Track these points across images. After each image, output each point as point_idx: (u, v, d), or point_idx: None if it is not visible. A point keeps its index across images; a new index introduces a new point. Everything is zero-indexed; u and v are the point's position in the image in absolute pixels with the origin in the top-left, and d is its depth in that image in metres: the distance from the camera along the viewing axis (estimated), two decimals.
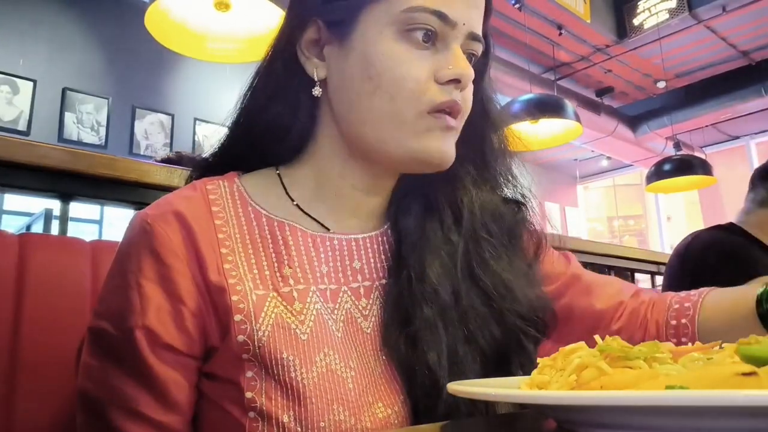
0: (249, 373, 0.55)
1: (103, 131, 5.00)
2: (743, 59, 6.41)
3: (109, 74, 5.09)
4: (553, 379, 0.41)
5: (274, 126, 0.66)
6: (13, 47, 4.60)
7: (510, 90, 5.37)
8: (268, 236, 0.62)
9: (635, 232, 9.95)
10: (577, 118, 4.04)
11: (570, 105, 4.11)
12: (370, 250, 0.66)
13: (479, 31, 0.63)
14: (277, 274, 0.60)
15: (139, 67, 5.16)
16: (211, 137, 5.37)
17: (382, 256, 0.67)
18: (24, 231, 3.45)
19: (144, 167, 1.14)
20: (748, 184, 1.68)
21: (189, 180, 0.70)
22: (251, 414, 0.54)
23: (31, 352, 0.71)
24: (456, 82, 0.59)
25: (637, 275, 2.48)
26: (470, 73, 0.60)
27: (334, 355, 0.57)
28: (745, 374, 0.33)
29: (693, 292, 0.73)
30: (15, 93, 4.58)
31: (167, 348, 0.55)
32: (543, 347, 0.71)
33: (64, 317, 0.74)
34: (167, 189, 0.97)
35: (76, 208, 1.15)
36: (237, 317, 0.56)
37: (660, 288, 1.96)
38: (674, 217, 9.21)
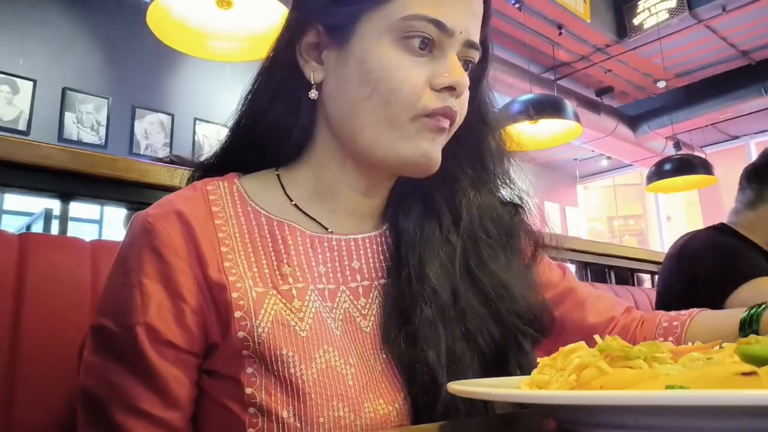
0: (249, 370, 0.56)
1: (103, 131, 5.00)
2: (743, 59, 6.41)
3: (109, 74, 5.09)
4: (553, 379, 0.41)
5: (274, 128, 0.67)
6: (13, 47, 4.60)
7: (510, 90, 5.36)
8: (268, 235, 0.63)
9: (635, 231, 9.95)
10: (577, 118, 4.04)
11: (570, 105, 4.10)
12: (369, 250, 0.67)
13: (476, 39, 0.64)
14: (277, 272, 0.60)
15: (139, 67, 5.15)
16: (211, 137, 5.37)
17: (381, 257, 0.68)
18: (24, 231, 3.45)
19: (144, 167, 1.14)
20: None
21: (190, 181, 0.71)
22: (251, 410, 0.55)
23: (31, 351, 0.71)
24: (451, 89, 0.60)
25: (637, 275, 2.48)
26: (465, 81, 0.61)
27: (334, 351, 0.58)
28: (745, 374, 0.33)
29: (683, 312, 0.76)
30: (15, 93, 4.58)
31: (168, 345, 0.56)
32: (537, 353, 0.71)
33: (64, 317, 0.74)
34: (167, 189, 0.97)
35: (76, 208, 1.15)
36: (237, 314, 0.56)
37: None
38: (674, 217, 9.21)
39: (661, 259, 1.67)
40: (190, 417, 0.58)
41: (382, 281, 0.66)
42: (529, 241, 0.75)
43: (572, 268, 2.41)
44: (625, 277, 2.37)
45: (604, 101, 6.92)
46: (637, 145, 7.36)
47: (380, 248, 0.68)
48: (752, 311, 0.67)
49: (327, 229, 0.66)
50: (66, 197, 1.11)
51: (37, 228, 3.29)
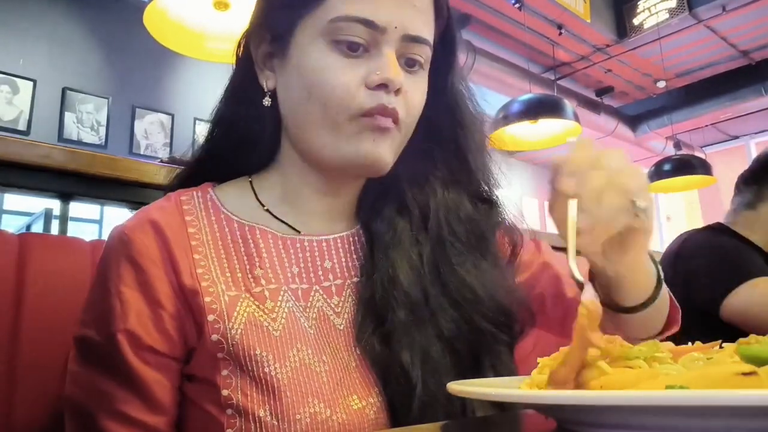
0: (224, 372, 0.57)
1: (103, 131, 5.00)
2: (743, 59, 6.41)
3: (109, 74, 5.09)
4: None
5: (242, 135, 0.69)
6: (13, 47, 4.60)
7: (510, 90, 5.36)
8: (240, 240, 0.64)
9: None
10: (577, 118, 4.04)
11: (569, 105, 4.10)
12: (341, 250, 0.68)
13: (419, 32, 0.62)
14: (249, 275, 0.62)
15: (139, 67, 5.15)
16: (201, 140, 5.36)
17: (353, 256, 0.69)
18: (24, 231, 3.45)
19: (144, 167, 1.14)
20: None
21: (169, 188, 0.72)
22: (229, 411, 0.56)
23: (31, 351, 0.71)
24: (384, 86, 0.60)
25: None
26: (398, 78, 0.60)
27: (307, 350, 0.59)
28: (745, 374, 0.33)
29: None
30: (15, 93, 4.58)
31: (149, 350, 0.57)
32: (524, 348, 0.71)
33: (64, 317, 0.74)
34: (167, 189, 0.97)
35: (76, 208, 1.15)
36: (210, 317, 0.58)
37: None
38: (674, 217, 9.21)
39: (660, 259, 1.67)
40: (174, 421, 0.59)
41: (355, 279, 0.67)
42: (507, 238, 0.73)
43: None
44: None
45: (603, 101, 6.92)
46: (637, 145, 7.36)
47: (353, 248, 0.69)
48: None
49: (298, 231, 0.67)
50: (66, 197, 1.11)
51: (37, 228, 3.29)
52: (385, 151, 0.62)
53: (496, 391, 0.40)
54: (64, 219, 1.11)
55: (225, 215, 0.66)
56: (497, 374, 0.63)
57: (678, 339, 0.56)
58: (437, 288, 0.65)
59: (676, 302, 0.70)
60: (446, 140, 0.71)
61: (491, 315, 0.65)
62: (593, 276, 0.63)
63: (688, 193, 7.88)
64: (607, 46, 6.07)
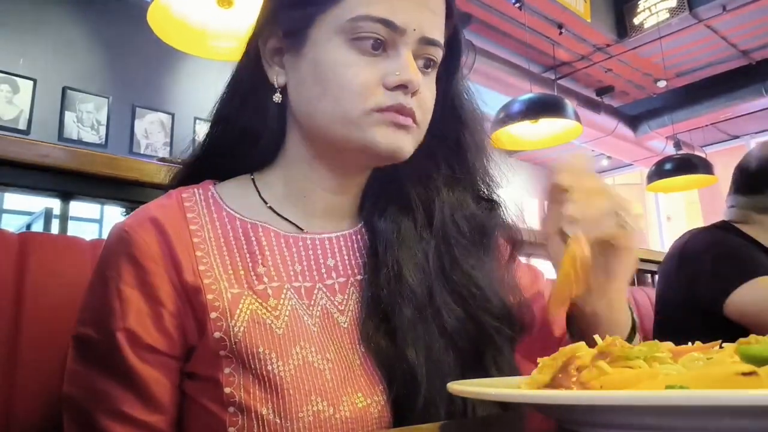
0: (227, 370, 0.57)
1: (103, 130, 5.00)
2: (743, 59, 6.40)
3: (110, 73, 5.09)
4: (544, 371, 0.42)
5: (246, 132, 0.69)
6: (13, 46, 4.60)
7: (510, 89, 5.36)
8: (242, 238, 0.64)
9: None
10: (577, 118, 4.04)
11: (570, 104, 4.10)
12: (344, 248, 0.69)
13: (434, 35, 0.63)
14: (252, 273, 0.62)
15: (140, 67, 5.15)
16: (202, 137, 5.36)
17: (356, 254, 0.69)
18: (24, 230, 3.45)
19: (144, 166, 1.14)
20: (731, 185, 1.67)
21: (169, 186, 0.72)
22: (231, 409, 0.56)
23: (31, 351, 0.71)
24: (403, 87, 0.60)
25: (637, 275, 2.48)
26: (417, 79, 0.61)
27: (311, 347, 0.59)
28: (745, 374, 0.33)
29: None
30: (15, 92, 4.58)
31: (148, 349, 0.57)
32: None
33: (64, 316, 0.74)
34: (167, 188, 0.97)
35: (77, 207, 1.15)
36: (213, 315, 0.58)
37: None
38: (674, 216, 9.21)
39: (661, 259, 1.66)
40: (173, 421, 0.59)
41: (359, 277, 0.67)
42: (507, 237, 0.75)
43: None
44: None
45: (604, 101, 6.91)
46: (637, 145, 7.35)
47: (356, 245, 0.70)
48: None
49: (301, 229, 0.68)
50: (66, 196, 1.11)
51: (38, 227, 3.29)
52: (403, 142, 0.62)
53: (496, 391, 0.40)
54: (64, 218, 1.11)
55: (227, 212, 0.66)
56: (499, 370, 0.64)
57: (681, 339, 0.56)
58: (442, 285, 0.66)
59: None
60: (449, 140, 0.71)
61: (495, 310, 0.66)
62: (571, 320, 0.65)
63: (688, 193, 7.87)
64: (608, 45, 6.07)
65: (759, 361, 0.34)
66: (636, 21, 5.80)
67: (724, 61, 6.42)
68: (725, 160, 7.64)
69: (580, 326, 0.68)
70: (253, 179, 0.70)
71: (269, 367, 0.56)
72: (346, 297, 0.65)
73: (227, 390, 0.56)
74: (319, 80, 0.61)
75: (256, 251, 0.63)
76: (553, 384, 0.41)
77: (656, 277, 1.79)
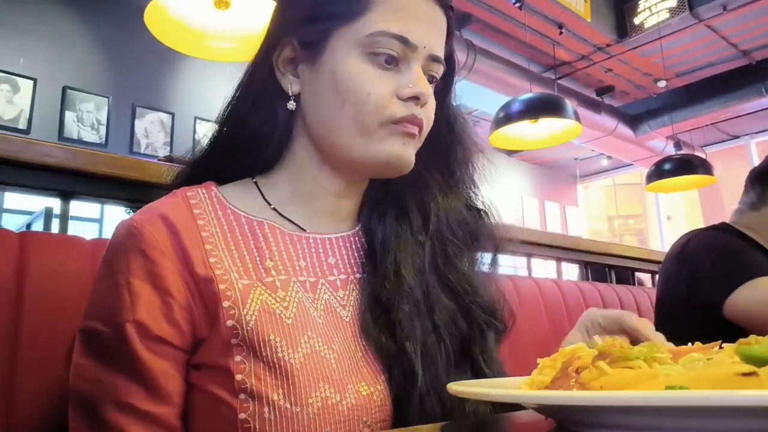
0: (238, 357, 0.58)
1: (103, 130, 5.00)
2: (744, 59, 6.40)
3: (110, 73, 5.09)
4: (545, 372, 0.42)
5: (253, 136, 0.71)
6: (13, 46, 4.60)
7: (510, 89, 5.36)
8: (249, 234, 0.67)
9: (635, 231, 9.96)
10: (577, 118, 4.03)
11: (570, 104, 4.09)
12: (343, 248, 0.73)
13: (439, 53, 0.69)
14: (260, 266, 0.64)
15: (140, 66, 5.15)
16: (207, 139, 5.36)
17: (355, 254, 0.73)
18: (24, 229, 3.45)
19: (144, 166, 1.14)
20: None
21: (173, 183, 0.74)
22: (242, 396, 0.57)
23: (31, 350, 0.71)
24: (415, 99, 0.66)
25: (638, 275, 2.48)
26: (428, 91, 0.66)
27: (317, 338, 0.62)
28: (745, 374, 0.33)
29: None
30: (15, 91, 4.57)
31: (158, 340, 0.58)
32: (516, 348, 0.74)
33: (64, 316, 0.74)
34: (168, 187, 0.98)
35: (77, 207, 1.15)
36: (225, 303, 0.59)
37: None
38: (674, 216, 9.21)
39: (661, 259, 1.66)
40: (181, 413, 0.60)
41: (358, 276, 0.71)
42: (491, 242, 0.80)
43: (573, 267, 2.41)
44: (626, 276, 2.37)
45: (604, 101, 6.92)
46: (637, 145, 7.36)
47: (354, 246, 0.74)
48: None
49: (304, 229, 0.71)
50: (66, 196, 1.11)
51: (38, 227, 3.29)
52: (411, 154, 0.68)
53: (496, 392, 0.40)
54: (64, 218, 1.11)
55: (231, 211, 0.68)
56: (486, 363, 0.69)
57: (681, 339, 0.56)
58: (437, 282, 0.71)
59: None
60: (442, 151, 0.77)
61: (485, 304, 0.72)
62: None
63: (688, 193, 7.88)
64: (608, 45, 6.07)
65: (759, 361, 0.34)
66: (636, 21, 5.80)
67: (724, 61, 6.42)
68: (725, 160, 7.67)
69: None
70: (255, 182, 0.73)
71: (280, 355, 0.58)
72: (347, 293, 0.68)
73: (238, 377, 0.57)
74: (338, 91, 0.65)
75: (263, 246, 0.66)
76: (553, 385, 0.41)
77: (656, 277, 1.79)
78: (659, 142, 7.30)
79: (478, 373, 0.68)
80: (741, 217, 1.61)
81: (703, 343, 0.44)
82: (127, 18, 4.88)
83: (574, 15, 5.33)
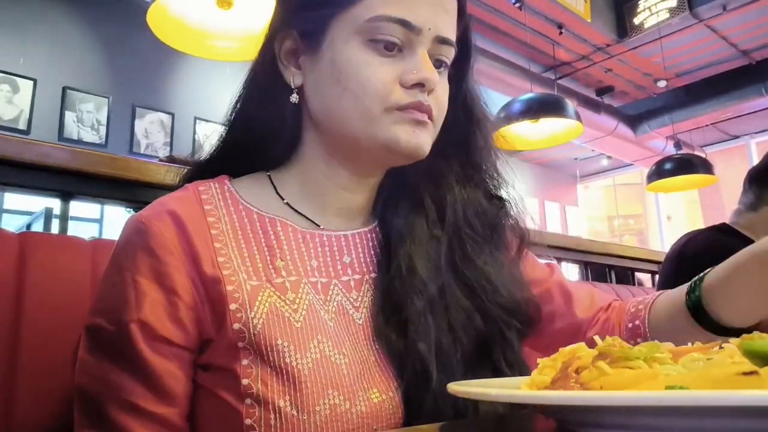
0: (245, 361, 0.57)
1: (103, 130, 5.00)
2: (744, 58, 6.40)
3: (110, 73, 5.09)
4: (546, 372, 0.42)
5: (263, 132, 0.69)
6: (13, 46, 4.60)
7: (510, 89, 5.36)
8: (260, 231, 0.64)
9: (635, 231, 9.96)
10: (578, 118, 4.04)
11: (570, 104, 4.10)
12: (359, 245, 0.69)
13: (448, 35, 0.64)
14: (270, 266, 0.62)
15: (140, 66, 5.15)
16: (211, 136, 5.33)
17: (371, 252, 0.70)
18: (24, 230, 3.45)
19: (144, 166, 1.14)
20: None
21: (181, 183, 0.72)
22: (248, 401, 0.55)
23: (31, 351, 0.71)
24: (420, 86, 0.62)
25: (638, 275, 2.48)
26: (433, 77, 0.62)
27: (328, 342, 0.59)
28: (745, 374, 0.33)
29: (649, 296, 0.75)
30: (15, 92, 4.58)
31: (163, 341, 0.57)
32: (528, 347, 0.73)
33: (64, 317, 0.74)
34: (168, 188, 0.98)
35: (77, 207, 1.15)
36: (232, 306, 0.58)
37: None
38: (674, 216, 9.21)
39: (662, 259, 1.67)
40: (186, 413, 0.59)
41: (373, 275, 0.68)
42: (515, 234, 0.76)
43: (573, 267, 2.41)
44: (626, 276, 2.37)
45: (604, 101, 6.92)
46: (637, 145, 7.36)
47: (370, 243, 0.70)
48: (695, 279, 0.68)
49: (318, 225, 0.68)
50: (66, 196, 1.11)
51: (38, 227, 3.29)
52: (423, 139, 0.63)
53: (496, 392, 0.40)
54: (64, 218, 1.11)
55: (244, 206, 0.66)
56: (508, 364, 0.65)
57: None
58: (453, 279, 0.67)
59: None
60: (460, 138, 0.72)
61: (506, 303, 0.67)
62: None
63: (688, 193, 7.88)
64: (608, 45, 6.07)
65: (762, 356, 0.34)
66: (636, 21, 5.81)
67: (724, 61, 6.42)
68: (725, 160, 7.66)
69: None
70: (269, 176, 0.71)
71: (287, 360, 0.56)
72: (361, 294, 0.66)
73: (245, 381, 0.56)
74: (337, 80, 0.62)
75: (274, 245, 0.64)
76: (553, 385, 0.41)
77: (656, 277, 1.80)
78: (659, 142, 7.30)
79: (499, 376, 0.64)
80: (740, 218, 1.61)
81: (703, 343, 0.44)
82: (128, 18, 4.88)
83: (574, 15, 5.33)
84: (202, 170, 0.72)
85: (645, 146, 7.41)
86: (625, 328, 0.74)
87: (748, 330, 0.41)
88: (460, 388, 0.43)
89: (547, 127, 4.26)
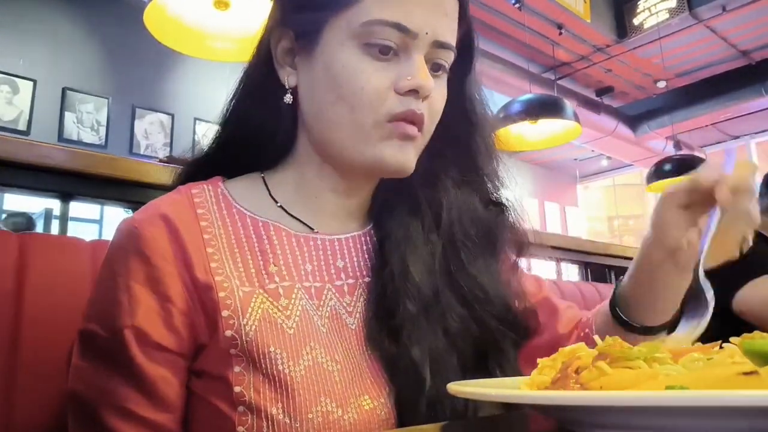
0: (237, 368, 0.56)
1: (103, 131, 5.00)
2: (743, 59, 6.41)
3: (109, 74, 5.09)
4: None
5: (257, 131, 0.68)
6: (13, 47, 4.60)
7: (510, 90, 5.36)
8: (253, 236, 0.64)
9: (635, 231, 9.95)
10: (577, 119, 4.04)
11: (570, 105, 4.11)
12: (353, 249, 0.69)
13: (447, 39, 0.63)
14: (263, 271, 0.61)
15: (139, 67, 5.15)
16: (211, 137, 5.36)
17: (366, 255, 0.69)
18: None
19: (144, 167, 1.14)
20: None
21: (174, 185, 0.71)
22: (240, 408, 0.55)
23: (31, 351, 0.71)
24: (415, 92, 0.60)
25: None
26: (428, 84, 0.60)
27: (320, 349, 0.59)
28: (745, 374, 0.33)
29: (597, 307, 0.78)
30: (15, 93, 4.57)
31: (156, 347, 0.57)
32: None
33: (64, 317, 0.74)
34: (167, 189, 0.98)
35: (76, 208, 1.15)
36: (224, 313, 0.57)
37: None
38: None
39: None
40: (180, 419, 0.59)
41: (367, 279, 0.67)
42: (514, 241, 0.75)
43: (573, 268, 2.41)
44: None
45: (604, 101, 6.92)
46: (637, 145, 7.36)
47: (365, 247, 0.69)
48: (615, 293, 0.73)
49: (312, 229, 0.67)
50: (66, 197, 1.11)
51: (38, 228, 3.29)
52: (408, 156, 0.63)
53: (496, 392, 0.40)
54: (64, 219, 1.11)
55: (237, 210, 0.65)
56: (504, 374, 0.64)
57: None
58: (448, 286, 0.66)
59: None
60: (459, 142, 0.71)
61: (500, 313, 0.66)
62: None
63: None
64: (607, 46, 6.07)
65: (762, 356, 0.34)
66: (636, 21, 5.81)
67: (724, 61, 6.42)
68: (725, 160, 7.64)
69: (638, 301, 0.71)
70: (263, 177, 0.70)
71: (280, 367, 0.56)
72: (354, 299, 0.65)
73: (237, 389, 0.55)
74: (332, 86, 0.61)
75: (267, 250, 0.63)
76: (553, 385, 0.41)
77: None
78: (659, 142, 7.30)
79: None
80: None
81: (711, 340, 0.44)
82: (127, 18, 4.87)
83: (574, 15, 5.33)
84: (196, 170, 0.72)
85: (645, 147, 7.41)
86: (585, 336, 0.76)
87: (750, 330, 0.41)
88: (460, 388, 0.43)
89: (547, 127, 4.26)
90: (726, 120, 7.29)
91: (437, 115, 0.65)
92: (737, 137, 8.04)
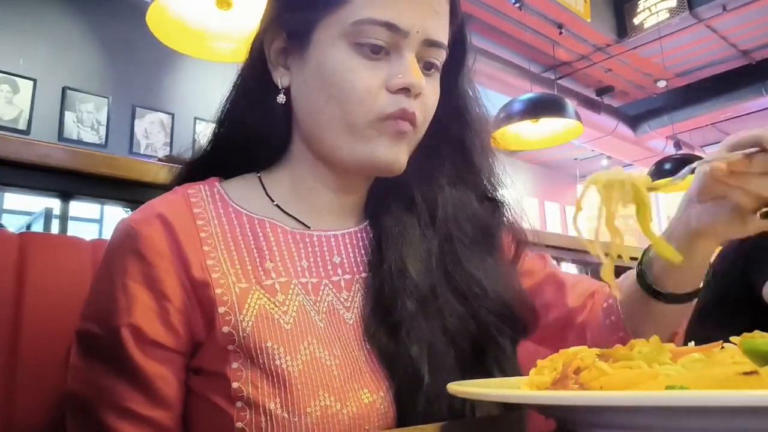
0: (235, 364, 0.56)
1: (103, 130, 5.00)
2: (743, 59, 6.40)
3: (110, 73, 5.09)
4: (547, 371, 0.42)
5: (252, 131, 0.69)
6: (13, 46, 4.60)
7: (510, 89, 5.36)
8: (249, 233, 0.64)
9: (635, 231, 9.95)
10: (578, 118, 4.04)
11: (570, 104, 4.10)
12: (349, 245, 0.69)
13: (437, 37, 0.63)
14: (259, 268, 0.62)
15: (140, 67, 5.15)
16: (207, 137, 5.36)
17: (362, 251, 0.69)
18: (24, 230, 3.45)
19: (144, 166, 1.14)
20: None
21: (171, 185, 0.71)
22: (238, 404, 0.55)
23: (31, 351, 0.71)
24: (406, 91, 0.61)
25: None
26: (420, 82, 0.61)
27: (318, 343, 0.59)
28: (746, 373, 0.33)
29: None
30: (15, 92, 4.57)
31: (154, 344, 0.57)
32: (526, 347, 0.72)
33: (64, 316, 0.74)
34: (167, 188, 0.98)
35: (77, 207, 1.15)
36: (221, 309, 0.58)
37: None
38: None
39: None
40: (179, 416, 0.59)
41: (364, 275, 0.67)
42: (511, 237, 0.75)
43: (573, 267, 2.41)
44: None
45: (604, 101, 6.92)
46: (637, 145, 7.36)
47: (361, 243, 0.70)
48: (643, 260, 0.72)
49: (308, 226, 0.68)
50: (66, 196, 1.11)
51: (38, 227, 3.29)
52: (401, 155, 0.64)
53: (496, 392, 0.40)
54: (64, 218, 1.11)
55: (233, 208, 0.66)
56: (501, 370, 0.64)
57: (718, 333, 0.56)
58: (444, 283, 0.66)
59: None
60: (453, 140, 0.72)
61: (497, 309, 0.66)
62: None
63: None
64: (608, 45, 6.06)
65: (762, 355, 0.34)
66: (636, 21, 5.80)
67: (724, 61, 6.42)
68: None
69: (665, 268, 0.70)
70: (259, 177, 0.71)
71: (277, 362, 0.56)
72: (351, 294, 0.65)
73: (235, 385, 0.56)
74: (323, 86, 0.62)
75: (263, 247, 0.63)
76: (553, 385, 0.41)
77: None
78: (659, 142, 7.30)
79: None
80: None
81: (738, 334, 0.43)
82: (128, 18, 4.88)
83: (574, 15, 5.33)
84: (193, 171, 0.72)
85: (645, 146, 7.41)
86: (601, 309, 0.75)
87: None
88: (460, 388, 0.43)
89: (547, 127, 4.26)
90: (726, 120, 7.29)
91: (430, 113, 0.65)
92: None
